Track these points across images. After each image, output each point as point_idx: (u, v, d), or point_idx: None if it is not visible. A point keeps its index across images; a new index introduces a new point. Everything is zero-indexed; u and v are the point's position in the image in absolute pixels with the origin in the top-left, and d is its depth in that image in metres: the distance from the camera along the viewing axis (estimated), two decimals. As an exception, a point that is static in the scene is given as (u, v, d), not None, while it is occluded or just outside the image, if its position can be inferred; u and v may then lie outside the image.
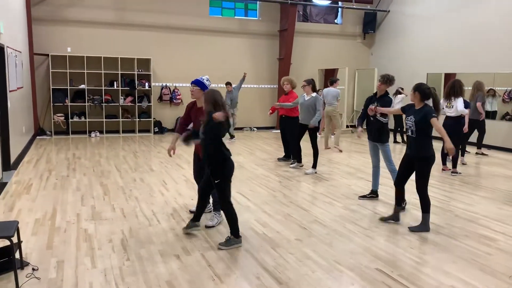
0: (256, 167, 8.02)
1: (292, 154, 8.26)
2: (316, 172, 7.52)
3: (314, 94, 7.51)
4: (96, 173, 7.23)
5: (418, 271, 3.72)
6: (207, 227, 4.62)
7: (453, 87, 7.44)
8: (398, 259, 3.96)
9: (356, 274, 3.64)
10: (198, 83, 4.63)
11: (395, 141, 11.25)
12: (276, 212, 5.32)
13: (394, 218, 4.98)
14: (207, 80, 4.69)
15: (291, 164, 8.08)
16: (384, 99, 5.58)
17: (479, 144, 9.59)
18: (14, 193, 5.94)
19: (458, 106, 7.31)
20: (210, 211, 5.00)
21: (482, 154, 9.64)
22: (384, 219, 5.02)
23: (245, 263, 3.82)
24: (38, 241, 4.21)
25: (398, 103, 10.12)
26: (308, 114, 7.48)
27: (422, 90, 4.67)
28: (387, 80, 5.61)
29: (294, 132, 7.89)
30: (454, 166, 7.69)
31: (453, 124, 7.44)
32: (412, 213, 5.32)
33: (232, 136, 11.18)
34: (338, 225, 4.87)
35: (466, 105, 7.55)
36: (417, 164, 4.69)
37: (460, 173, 7.67)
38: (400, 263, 3.87)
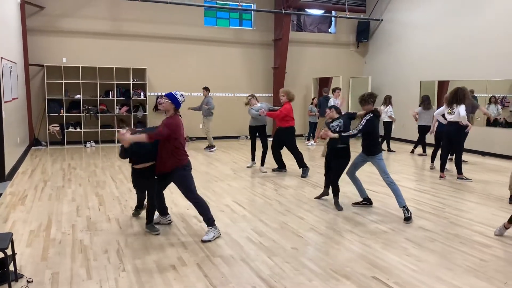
0: (252, 175, 8.02)
1: (298, 162, 8.17)
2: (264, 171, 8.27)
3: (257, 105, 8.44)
4: (92, 183, 7.21)
5: (414, 278, 3.73)
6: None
7: (456, 94, 7.44)
8: (394, 267, 3.97)
9: (353, 282, 3.64)
10: (170, 96, 4.64)
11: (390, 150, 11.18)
12: (272, 220, 5.32)
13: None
14: (180, 96, 4.68)
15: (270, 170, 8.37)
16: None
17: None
18: (8, 204, 5.91)
19: (460, 112, 7.33)
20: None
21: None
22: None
23: (241, 273, 3.81)
24: (32, 252, 4.19)
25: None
26: (256, 120, 8.45)
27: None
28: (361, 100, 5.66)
29: (292, 141, 8.06)
30: (459, 172, 7.77)
31: (454, 130, 7.52)
32: (413, 220, 5.35)
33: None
34: (334, 233, 4.88)
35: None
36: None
37: (469, 179, 7.75)
38: (396, 271, 3.88)
